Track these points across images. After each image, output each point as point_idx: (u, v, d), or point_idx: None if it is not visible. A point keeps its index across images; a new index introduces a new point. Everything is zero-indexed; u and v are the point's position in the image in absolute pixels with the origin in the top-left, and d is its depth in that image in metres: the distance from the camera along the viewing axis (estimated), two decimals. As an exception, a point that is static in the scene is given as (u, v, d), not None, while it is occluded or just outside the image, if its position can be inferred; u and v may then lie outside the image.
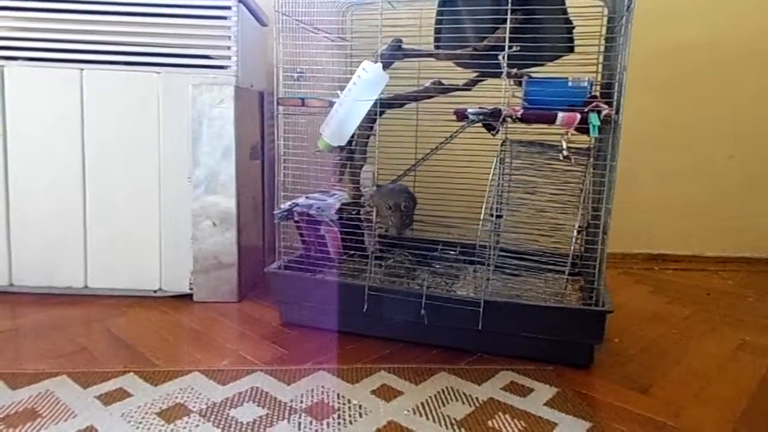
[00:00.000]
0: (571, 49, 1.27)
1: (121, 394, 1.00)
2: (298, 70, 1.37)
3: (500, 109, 1.15)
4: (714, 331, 1.43)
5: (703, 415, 1.01)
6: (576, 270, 1.32)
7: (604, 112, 1.11)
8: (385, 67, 1.28)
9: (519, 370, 1.15)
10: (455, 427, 0.94)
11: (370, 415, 0.96)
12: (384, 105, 1.29)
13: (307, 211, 1.38)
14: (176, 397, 1.00)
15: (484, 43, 1.25)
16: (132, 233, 1.49)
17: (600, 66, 1.32)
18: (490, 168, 1.29)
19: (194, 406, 0.97)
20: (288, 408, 0.98)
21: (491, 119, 1.17)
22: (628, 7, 1.11)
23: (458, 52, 1.31)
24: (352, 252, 1.43)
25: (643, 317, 1.50)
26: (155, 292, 1.52)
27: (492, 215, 1.29)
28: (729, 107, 1.97)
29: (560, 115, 1.13)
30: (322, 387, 1.06)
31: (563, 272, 1.25)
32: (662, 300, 1.67)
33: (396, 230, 1.30)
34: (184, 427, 0.91)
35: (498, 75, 1.17)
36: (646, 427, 0.96)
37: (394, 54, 1.33)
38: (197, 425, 0.92)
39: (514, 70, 1.20)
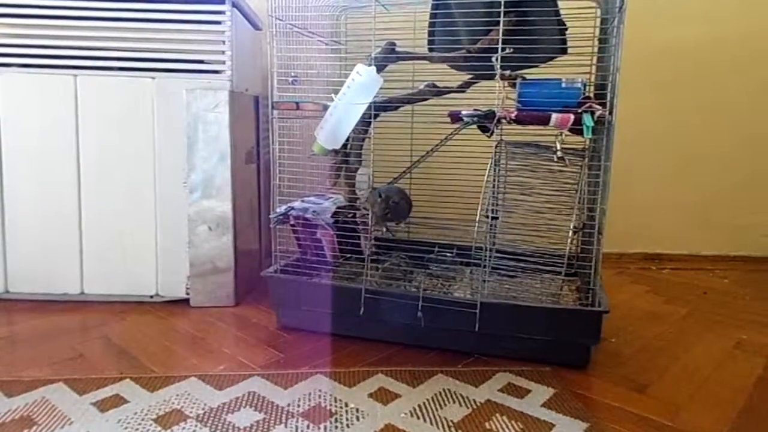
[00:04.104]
0: (564, 51, 1.27)
1: (117, 401, 1.00)
2: (292, 74, 1.37)
3: (494, 111, 1.16)
4: (711, 330, 1.43)
5: (701, 414, 1.01)
6: (572, 270, 1.32)
7: (597, 113, 1.11)
8: (379, 70, 1.28)
9: (516, 372, 1.15)
10: (453, 429, 0.94)
11: (367, 419, 0.96)
12: (378, 108, 1.29)
13: (303, 214, 1.38)
14: (173, 403, 1.00)
15: (478, 45, 1.25)
16: (128, 239, 1.48)
17: (593, 67, 1.33)
18: (485, 170, 1.29)
19: (191, 412, 0.97)
20: (285, 412, 0.98)
21: (486, 121, 1.18)
22: (620, 8, 1.11)
23: (452, 54, 1.31)
24: (349, 255, 1.43)
25: (639, 317, 1.51)
26: (151, 297, 1.52)
27: (488, 217, 1.29)
28: (724, 107, 1.98)
29: (554, 116, 1.13)
30: (319, 391, 1.06)
31: (559, 273, 1.25)
32: (659, 299, 1.67)
33: (376, 218, 1.29)
34: (181, 433, 0.91)
35: (492, 77, 1.17)
36: (643, 427, 0.96)
37: (388, 57, 1.33)
38: (194, 431, 0.91)
39: (508, 72, 1.20)
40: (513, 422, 0.96)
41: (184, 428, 0.92)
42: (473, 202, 1.30)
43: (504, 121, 1.16)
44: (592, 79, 1.33)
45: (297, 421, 0.95)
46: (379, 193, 1.29)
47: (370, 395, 1.04)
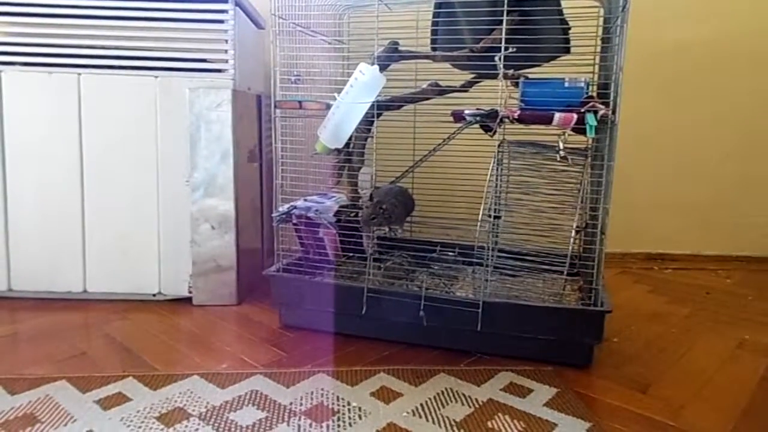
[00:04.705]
0: (567, 50, 1.27)
1: (120, 399, 1.00)
2: (295, 72, 1.37)
3: (497, 110, 1.16)
4: (713, 330, 1.43)
5: (703, 414, 1.01)
6: (575, 270, 1.32)
7: (600, 113, 1.11)
8: (382, 69, 1.28)
9: (518, 371, 1.15)
10: (455, 428, 0.94)
11: (369, 417, 0.96)
12: (381, 107, 1.29)
13: (305, 213, 1.38)
14: (176, 401, 1.00)
15: (481, 44, 1.25)
16: (131, 237, 1.49)
17: (596, 66, 1.33)
18: (488, 169, 1.29)
19: (194, 410, 0.97)
20: (287, 411, 0.98)
21: (488, 120, 1.18)
22: (624, 7, 1.11)
23: (455, 53, 1.31)
24: (351, 254, 1.43)
25: (642, 317, 1.50)
26: (154, 295, 1.52)
27: (490, 216, 1.29)
28: (727, 106, 1.97)
29: (557, 115, 1.13)
30: (322, 389, 1.06)
31: (562, 272, 1.25)
32: (661, 299, 1.67)
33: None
34: (184, 431, 0.91)
35: (495, 76, 1.17)
36: (645, 427, 0.96)
37: (391, 56, 1.33)
38: (197, 429, 0.91)
39: (511, 71, 1.20)
40: (515, 421, 0.96)
41: (186, 426, 0.92)
42: (476, 201, 1.30)
43: (507, 120, 1.16)
44: (595, 78, 1.32)
45: (299, 420, 0.95)
46: (370, 196, 1.29)
47: (373, 394, 1.04)
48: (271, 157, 1.57)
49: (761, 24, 1.92)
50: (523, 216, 1.30)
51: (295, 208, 1.39)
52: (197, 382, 1.07)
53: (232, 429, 0.92)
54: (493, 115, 1.16)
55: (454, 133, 1.39)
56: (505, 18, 1.14)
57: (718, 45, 1.94)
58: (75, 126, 1.45)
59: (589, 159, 1.27)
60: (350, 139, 1.33)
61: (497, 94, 1.17)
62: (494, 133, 1.23)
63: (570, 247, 1.25)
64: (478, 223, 1.26)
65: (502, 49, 1.14)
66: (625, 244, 2.05)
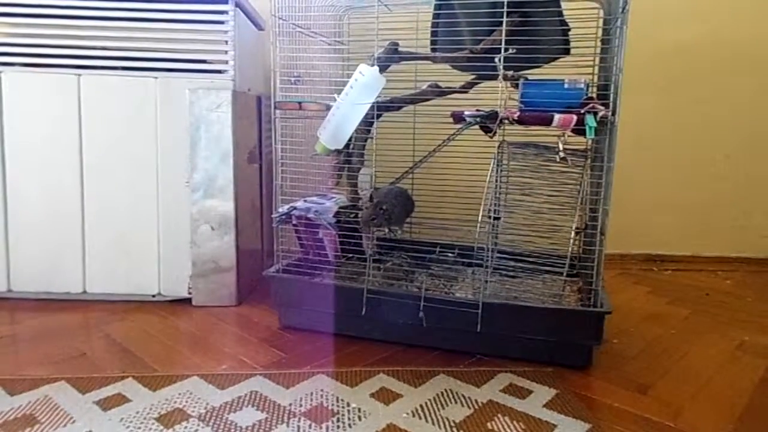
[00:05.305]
0: (567, 51, 1.27)
1: (120, 400, 1.00)
2: (295, 73, 1.37)
3: (497, 112, 1.16)
4: (713, 331, 1.43)
5: (702, 415, 1.01)
6: (574, 271, 1.32)
7: (600, 114, 1.11)
8: (382, 70, 1.28)
9: (518, 372, 1.15)
10: (455, 429, 0.94)
11: (369, 419, 0.96)
12: (381, 108, 1.29)
13: (305, 214, 1.38)
14: (175, 402, 1.00)
15: (481, 45, 1.25)
16: (130, 238, 1.49)
17: (596, 68, 1.33)
18: (488, 170, 1.29)
19: (193, 411, 0.97)
20: (287, 412, 0.98)
21: (488, 121, 1.18)
22: (624, 8, 1.11)
23: (455, 54, 1.31)
24: (350, 255, 1.43)
25: (641, 318, 1.50)
26: (154, 296, 1.52)
27: (490, 217, 1.29)
28: (726, 108, 1.97)
29: (557, 116, 1.13)
30: (321, 390, 1.06)
31: (561, 274, 1.25)
32: (661, 300, 1.67)
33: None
34: (183, 432, 0.91)
35: (495, 77, 1.17)
36: (645, 428, 0.96)
37: (391, 57, 1.33)
38: (196, 430, 0.91)
39: (511, 72, 1.20)
40: (515, 423, 0.96)
41: (186, 427, 0.92)
42: (475, 202, 1.30)
43: (506, 121, 1.16)
44: (595, 79, 1.33)
45: (299, 421, 0.95)
46: (371, 197, 1.29)
47: (372, 395, 1.04)
48: (271, 158, 1.57)
49: (762, 25, 1.92)
50: (522, 217, 1.30)
51: (295, 208, 1.39)
52: (197, 383, 1.07)
53: (232, 430, 0.92)
54: (492, 116, 1.16)
55: (453, 134, 1.39)
56: (505, 19, 1.15)
57: (718, 46, 1.94)
58: (75, 126, 1.45)
59: (589, 160, 1.27)
60: (350, 140, 1.33)
61: (497, 95, 1.17)
62: (494, 134, 1.23)
63: (569, 248, 1.25)
64: (478, 224, 1.26)
65: (502, 50, 1.15)
66: (624, 246, 2.05)
